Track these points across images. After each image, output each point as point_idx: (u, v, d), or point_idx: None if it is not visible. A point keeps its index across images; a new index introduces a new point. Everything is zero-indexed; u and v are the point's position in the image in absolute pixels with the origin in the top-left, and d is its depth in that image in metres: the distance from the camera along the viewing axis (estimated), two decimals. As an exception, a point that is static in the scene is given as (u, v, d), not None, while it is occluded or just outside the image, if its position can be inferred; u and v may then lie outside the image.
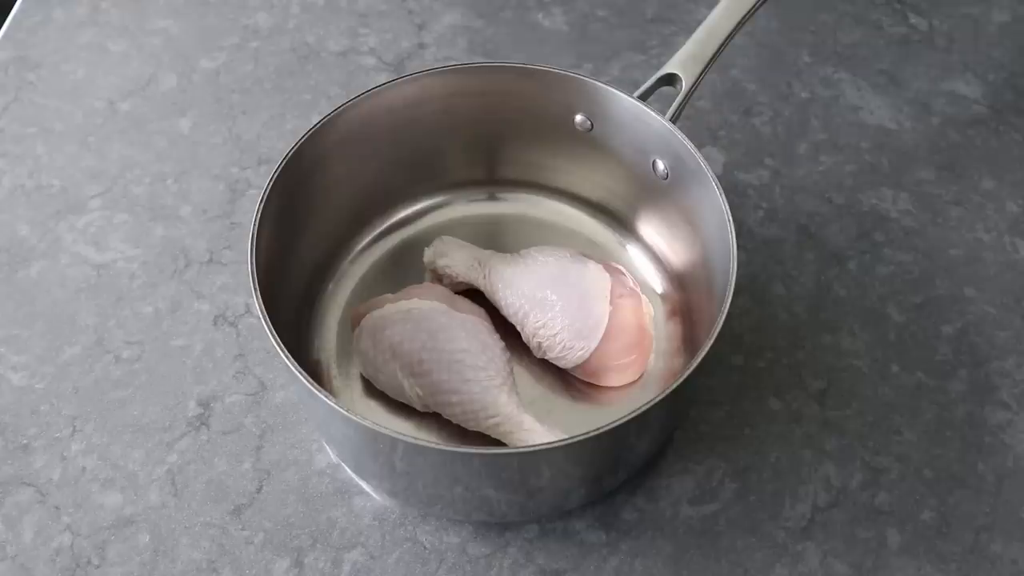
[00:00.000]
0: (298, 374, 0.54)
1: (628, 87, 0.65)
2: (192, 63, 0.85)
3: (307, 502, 0.63)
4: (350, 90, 0.83)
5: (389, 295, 0.66)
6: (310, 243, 0.68)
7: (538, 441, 0.60)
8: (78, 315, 0.70)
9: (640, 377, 0.66)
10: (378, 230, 0.73)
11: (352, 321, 0.66)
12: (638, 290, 0.67)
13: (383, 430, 0.53)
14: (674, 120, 0.65)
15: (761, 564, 0.61)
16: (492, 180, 0.75)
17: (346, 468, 0.64)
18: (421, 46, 0.87)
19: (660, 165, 0.67)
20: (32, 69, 0.83)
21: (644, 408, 0.54)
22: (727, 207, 0.61)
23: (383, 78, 0.77)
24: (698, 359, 0.56)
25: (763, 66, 0.85)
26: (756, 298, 0.71)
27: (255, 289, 0.57)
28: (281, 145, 0.79)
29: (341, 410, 0.53)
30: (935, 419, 0.67)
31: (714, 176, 0.62)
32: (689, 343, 0.67)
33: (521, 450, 0.57)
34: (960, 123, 0.82)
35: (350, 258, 0.72)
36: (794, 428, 0.66)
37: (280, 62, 0.86)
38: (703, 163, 0.63)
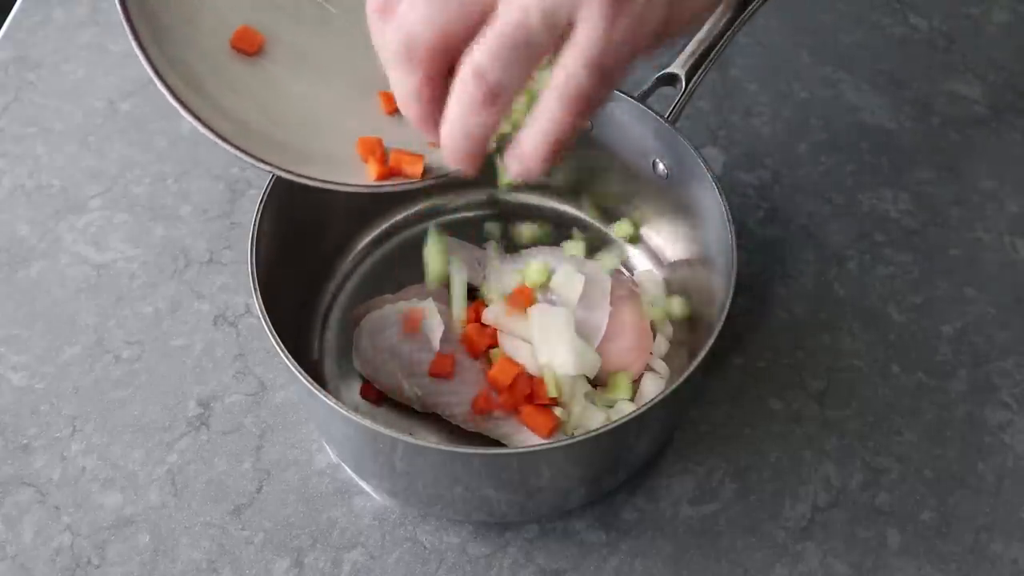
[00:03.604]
0: (298, 374, 0.54)
1: (628, 87, 0.65)
2: (192, 63, 0.85)
3: (307, 502, 0.63)
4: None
5: (389, 295, 0.66)
6: (310, 243, 0.68)
7: (538, 441, 0.60)
8: (78, 315, 0.70)
9: (640, 377, 0.66)
10: (378, 230, 0.73)
11: (352, 321, 0.66)
12: (638, 290, 0.67)
13: (383, 430, 0.53)
14: (674, 120, 0.65)
15: (761, 564, 0.61)
16: (492, 181, 0.74)
17: (346, 468, 0.64)
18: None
19: (660, 165, 0.67)
20: (32, 69, 0.83)
21: (644, 408, 0.54)
22: (727, 207, 0.61)
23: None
24: (698, 359, 0.56)
25: (763, 66, 0.84)
26: (756, 298, 0.71)
27: (255, 289, 0.57)
28: (281, 145, 0.79)
29: (341, 410, 0.53)
30: (935, 419, 0.67)
31: (714, 176, 0.62)
32: (689, 343, 0.67)
33: (521, 450, 0.57)
34: (960, 123, 0.82)
35: (350, 258, 0.72)
36: (794, 428, 0.66)
37: (280, 62, 0.86)
38: (703, 163, 0.63)
